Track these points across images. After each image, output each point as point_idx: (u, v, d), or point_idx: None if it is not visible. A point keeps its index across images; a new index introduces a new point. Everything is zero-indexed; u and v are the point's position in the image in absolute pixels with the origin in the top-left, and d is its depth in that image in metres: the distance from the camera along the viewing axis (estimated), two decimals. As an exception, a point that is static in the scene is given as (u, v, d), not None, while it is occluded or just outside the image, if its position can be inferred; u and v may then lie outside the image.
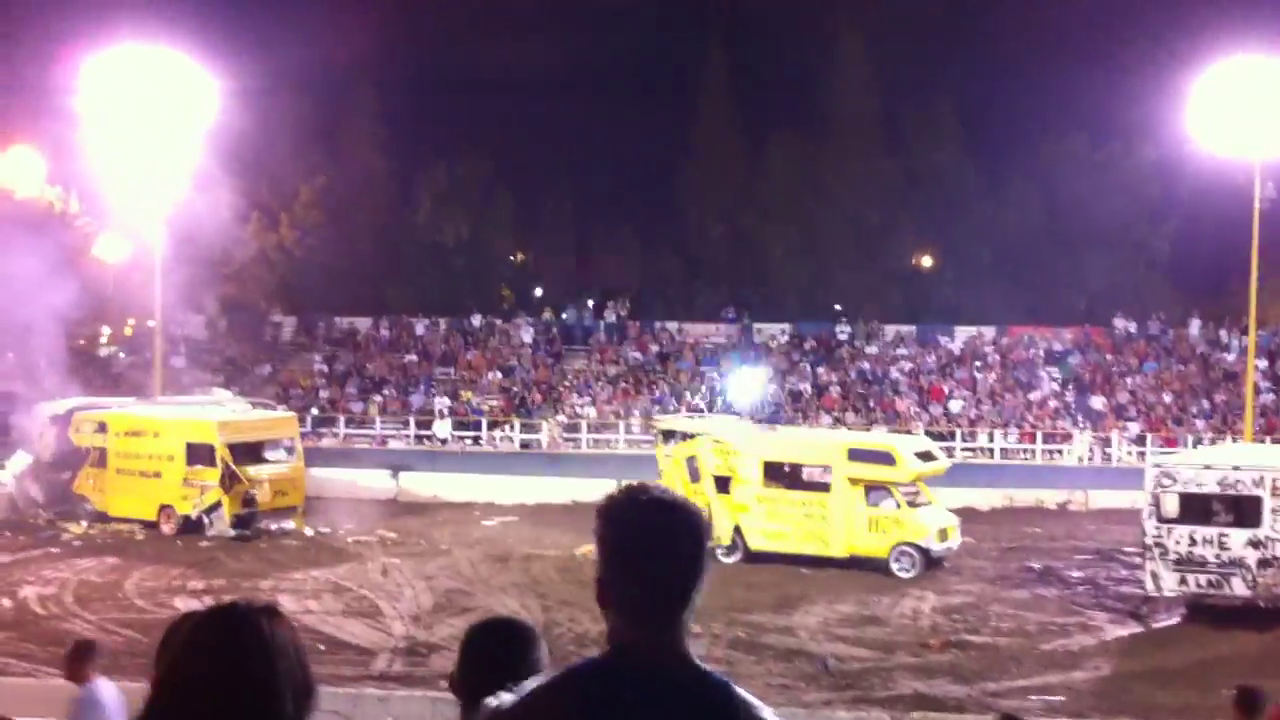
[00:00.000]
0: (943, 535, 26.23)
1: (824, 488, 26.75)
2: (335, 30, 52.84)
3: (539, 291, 62.67)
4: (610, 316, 50.68)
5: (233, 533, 29.09)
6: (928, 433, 41.99)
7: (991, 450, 42.12)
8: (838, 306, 53.71)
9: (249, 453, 30.49)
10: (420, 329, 50.15)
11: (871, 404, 44.30)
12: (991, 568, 26.81)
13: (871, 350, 47.46)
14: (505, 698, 2.67)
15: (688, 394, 44.68)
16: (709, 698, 2.54)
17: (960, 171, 54.10)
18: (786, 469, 27.42)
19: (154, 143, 35.82)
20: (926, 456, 27.86)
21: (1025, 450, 42.20)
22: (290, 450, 31.74)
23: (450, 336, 49.76)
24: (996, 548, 29.19)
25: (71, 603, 22.42)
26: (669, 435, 29.69)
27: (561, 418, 43.87)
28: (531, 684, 2.65)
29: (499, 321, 50.94)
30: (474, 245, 58.08)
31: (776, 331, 49.14)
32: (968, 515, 33.64)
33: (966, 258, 53.56)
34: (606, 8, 61.99)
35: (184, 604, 22.21)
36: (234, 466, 29.54)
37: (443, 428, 42.91)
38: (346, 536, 29.83)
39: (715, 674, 2.60)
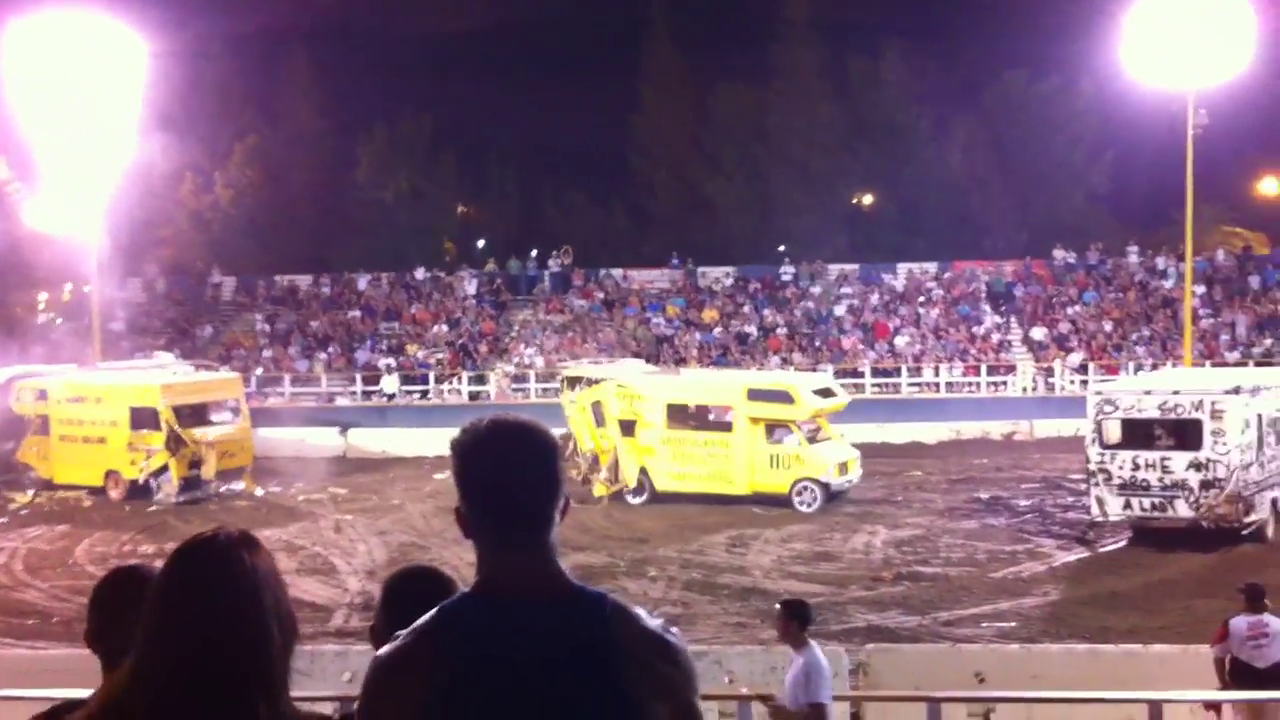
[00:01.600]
0: (842, 469, 26.88)
1: (726, 427, 27.38)
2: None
3: (482, 244, 62.35)
4: (555, 266, 50.49)
5: (181, 496, 28.90)
6: (874, 369, 42.41)
7: (937, 385, 42.49)
8: (782, 249, 53.85)
9: (194, 415, 30.26)
10: (363, 284, 49.74)
11: (818, 343, 44.51)
12: (941, 500, 27.15)
13: (816, 290, 47.62)
14: (381, 649, 2.59)
15: (633, 340, 44.70)
16: (584, 613, 2.52)
17: (903, 113, 54.47)
18: (690, 410, 28.10)
19: (85, 107, 35.10)
20: (826, 393, 28.39)
21: (970, 383, 42.62)
22: (236, 411, 31.54)
23: (394, 291, 49.40)
24: (945, 480, 29.57)
25: (22, 571, 22.29)
26: (574, 382, 30.01)
27: (509, 368, 43.75)
28: (407, 629, 2.59)
29: (443, 275, 50.61)
30: (416, 200, 57.63)
31: (720, 275, 49.18)
32: (916, 450, 34.20)
33: (910, 197, 54.03)
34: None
35: (135, 569, 22.12)
36: (179, 429, 29.29)
37: (390, 383, 42.69)
38: (297, 495, 29.73)
39: (590, 588, 2.59)
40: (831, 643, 15.33)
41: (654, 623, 2.58)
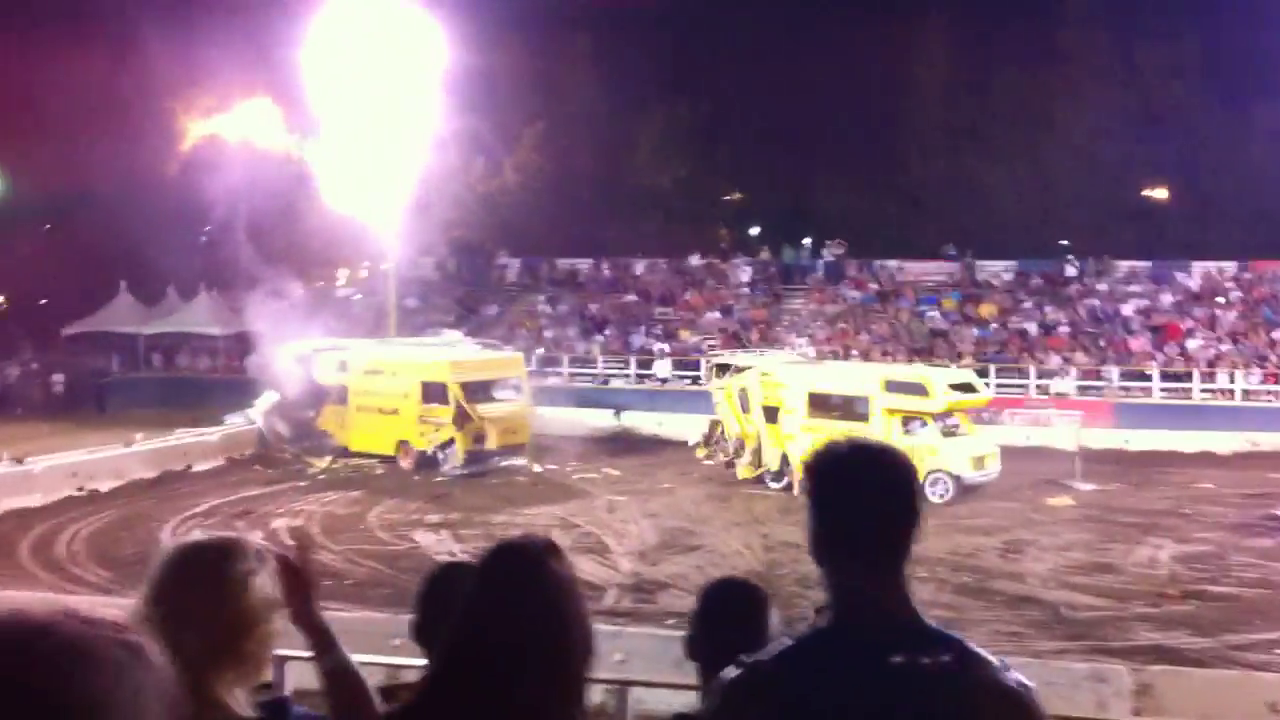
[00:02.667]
0: (978, 463, 27.62)
1: (864, 418, 27.91)
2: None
3: (756, 231, 62.52)
4: (828, 256, 50.20)
5: (465, 469, 30.15)
6: (1163, 373, 40.44)
7: (1233, 391, 40.18)
8: (1065, 243, 51.94)
9: (480, 391, 31.48)
10: (640, 269, 50.68)
11: (1102, 343, 42.80)
12: (1233, 515, 25.75)
13: (1102, 288, 45.77)
14: (727, 673, 2.62)
15: (906, 333, 44.02)
16: (937, 658, 2.46)
17: (1200, 101, 51.57)
18: (830, 400, 28.86)
19: (384, 90, 36.92)
20: (965, 388, 29.28)
21: (1270, 392, 40.13)
22: (518, 389, 32.67)
23: (669, 277, 50.16)
24: (1238, 494, 28.00)
25: (319, 534, 23.59)
26: (723, 369, 31.52)
27: (782, 356, 43.76)
28: (757, 655, 2.60)
29: (717, 262, 51.04)
30: (692, 186, 58.26)
31: (1000, 269, 47.85)
32: (1207, 460, 32.49)
33: (1205, 191, 51.19)
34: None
35: (422, 536, 23.27)
36: (466, 405, 30.57)
37: (663, 367, 43.39)
38: (572, 474, 30.62)
39: (944, 630, 2.54)
40: (1113, 660, 14.85)
41: (1011, 675, 2.51)
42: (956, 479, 27.12)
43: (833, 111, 58.63)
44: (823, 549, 2.60)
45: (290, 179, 41.39)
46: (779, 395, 29.26)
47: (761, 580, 19.95)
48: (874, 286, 47.81)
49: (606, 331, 46.66)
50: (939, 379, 29.08)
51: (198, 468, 30.80)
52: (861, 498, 2.55)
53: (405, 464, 30.94)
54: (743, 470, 29.45)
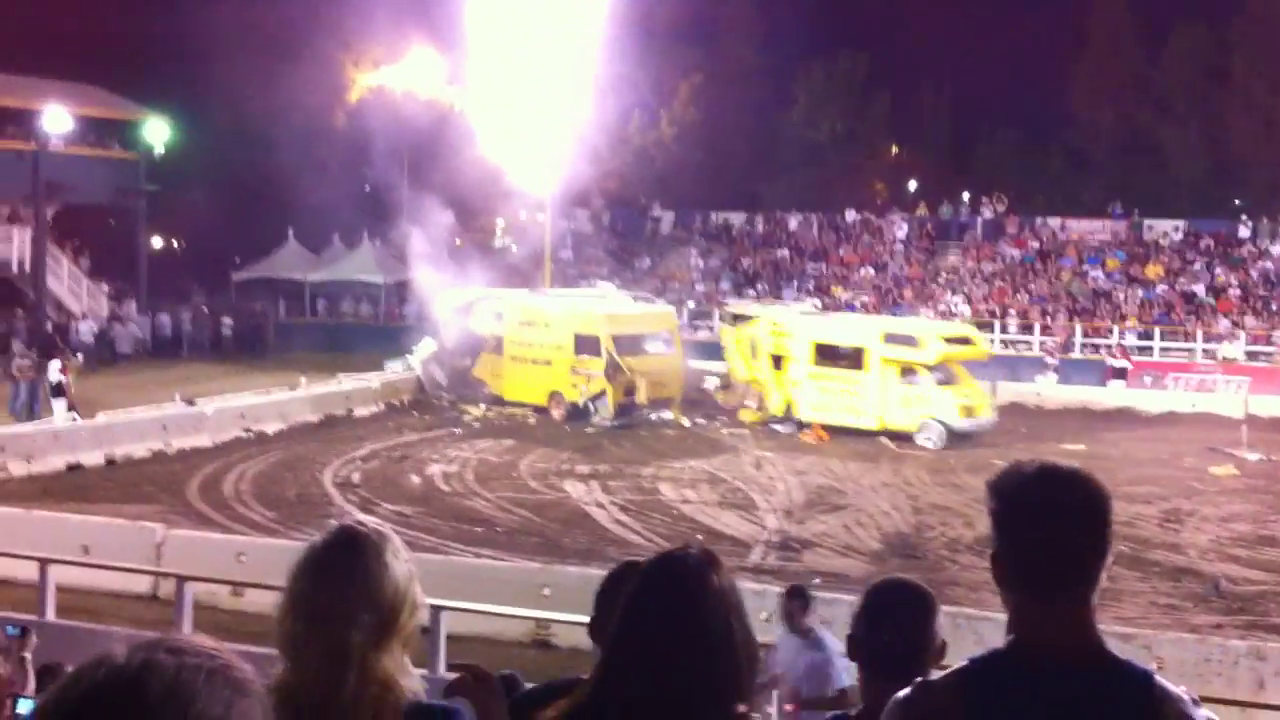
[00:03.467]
0: (968, 412, 28.82)
1: (862, 366, 29.50)
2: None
3: (913, 186, 61.53)
4: (988, 212, 49.16)
5: (616, 421, 30.46)
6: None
7: None
8: (1238, 202, 49.98)
9: (631, 344, 31.71)
10: (793, 224, 50.35)
11: (1275, 307, 41.18)
12: None
13: (1276, 250, 43.97)
14: (900, 694, 2.56)
15: (1067, 293, 42.94)
16: (1126, 693, 2.36)
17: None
18: (834, 350, 30.11)
19: (544, 40, 37.17)
20: (961, 341, 30.71)
21: None
22: (669, 343, 32.82)
23: (822, 232, 49.72)
24: None
25: (472, 481, 24.12)
26: (737, 318, 33.03)
27: (933, 314, 43.12)
28: (931, 677, 2.56)
29: (872, 218, 50.41)
30: (849, 140, 57.55)
31: (1169, 228, 46.29)
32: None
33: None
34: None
35: (571, 487, 23.65)
36: (617, 357, 30.82)
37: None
38: (721, 429, 30.72)
39: (1133, 663, 2.44)
40: (1274, 638, 14.43)
41: (1200, 713, 2.42)
42: (946, 426, 28.50)
43: (996, 63, 57.22)
44: (1006, 573, 2.50)
45: (450, 129, 42.05)
46: (785, 344, 30.69)
47: (908, 542, 19.83)
48: (1034, 244, 46.71)
49: (759, 286, 46.54)
50: (933, 331, 30.79)
51: (358, 412, 31.72)
52: (1049, 525, 2.44)
53: (556, 414, 31.36)
54: (747, 414, 31.04)
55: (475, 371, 33.60)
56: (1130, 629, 13.55)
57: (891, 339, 29.53)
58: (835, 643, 8.09)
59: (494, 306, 33.75)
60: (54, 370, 26.64)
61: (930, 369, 28.97)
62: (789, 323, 31.37)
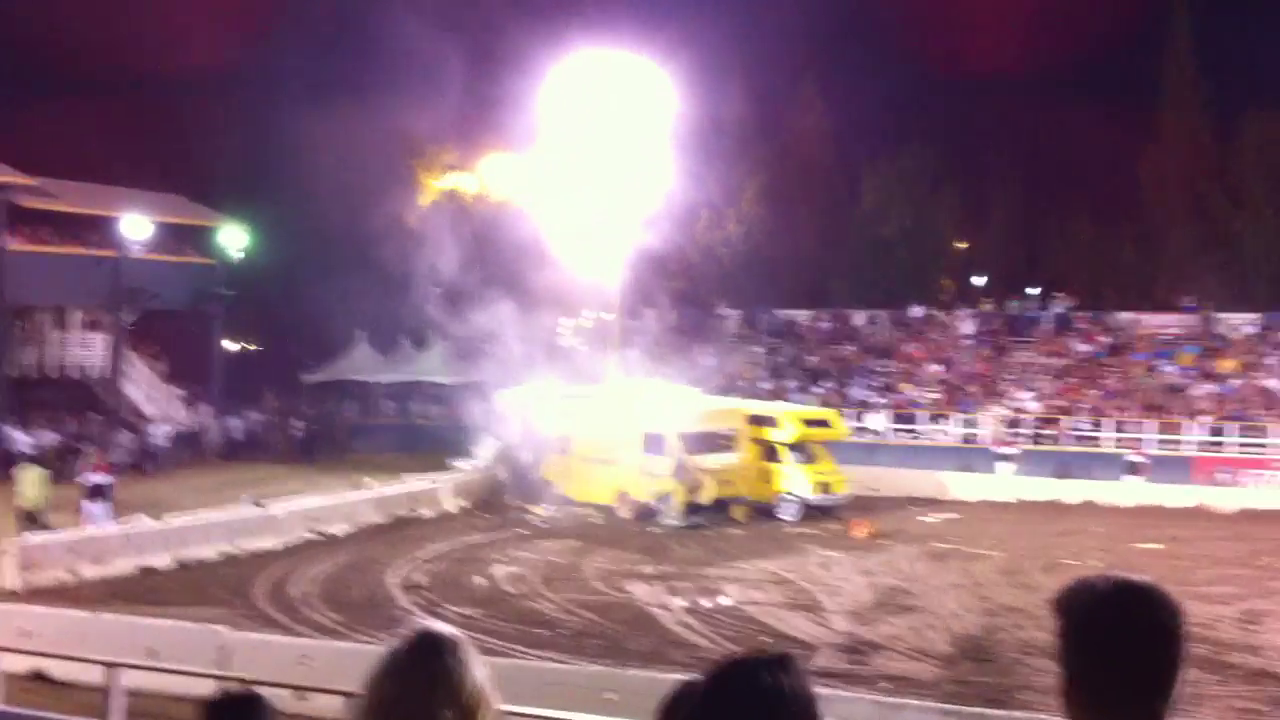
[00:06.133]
0: (823, 488, 32.41)
1: (730, 448, 32.33)
2: (778, 25, 53.79)
3: (981, 281, 61.26)
4: (1058, 307, 48.79)
5: (683, 520, 30.30)
6: None
7: None
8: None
9: (699, 443, 31.62)
10: (859, 320, 50.27)
11: (1355, 402, 40.32)
12: None
13: (1356, 343, 43.16)
14: None
15: (1139, 389, 42.33)
16: None
17: None
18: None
19: (613, 141, 37.72)
20: (819, 424, 34.66)
21: None
22: (736, 441, 32.67)
23: (890, 328, 49.58)
24: None
25: (537, 582, 24.03)
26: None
27: (1004, 412, 42.70)
28: None
29: (939, 313, 50.21)
30: (915, 235, 57.55)
31: (1243, 321, 45.61)
32: None
33: None
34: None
35: (636, 588, 23.49)
36: (684, 456, 30.76)
37: (878, 420, 42.85)
38: (783, 527, 30.47)
39: None
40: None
41: None
42: (802, 500, 31.81)
43: (1065, 156, 57.19)
44: (1076, 694, 2.44)
45: (520, 230, 42.65)
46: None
47: (979, 645, 19.43)
48: (1105, 339, 46.18)
49: (824, 383, 46.38)
50: (791, 414, 34.45)
51: (424, 513, 31.87)
52: (1122, 646, 2.39)
53: (624, 514, 31.32)
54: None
55: (544, 472, 33.65)
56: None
57: (754, 420, 33.11)
58: None
59: (561, 406, 33.90)
60: (89, 473, 27.19)
61: (790, 448, 32.54)
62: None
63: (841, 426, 36.23)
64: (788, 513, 31.90)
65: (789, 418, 33.91)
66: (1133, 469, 36.02)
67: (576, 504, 32.44)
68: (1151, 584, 2.46)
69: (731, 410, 34.52)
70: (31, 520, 26.49)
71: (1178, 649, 2.42)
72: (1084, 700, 2.41)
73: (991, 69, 55.66)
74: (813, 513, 31.97)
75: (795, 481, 32.48)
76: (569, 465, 33.05)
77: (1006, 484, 36.09)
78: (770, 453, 32.72)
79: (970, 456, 39.49)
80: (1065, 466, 37.80)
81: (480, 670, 2.72)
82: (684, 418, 32.16)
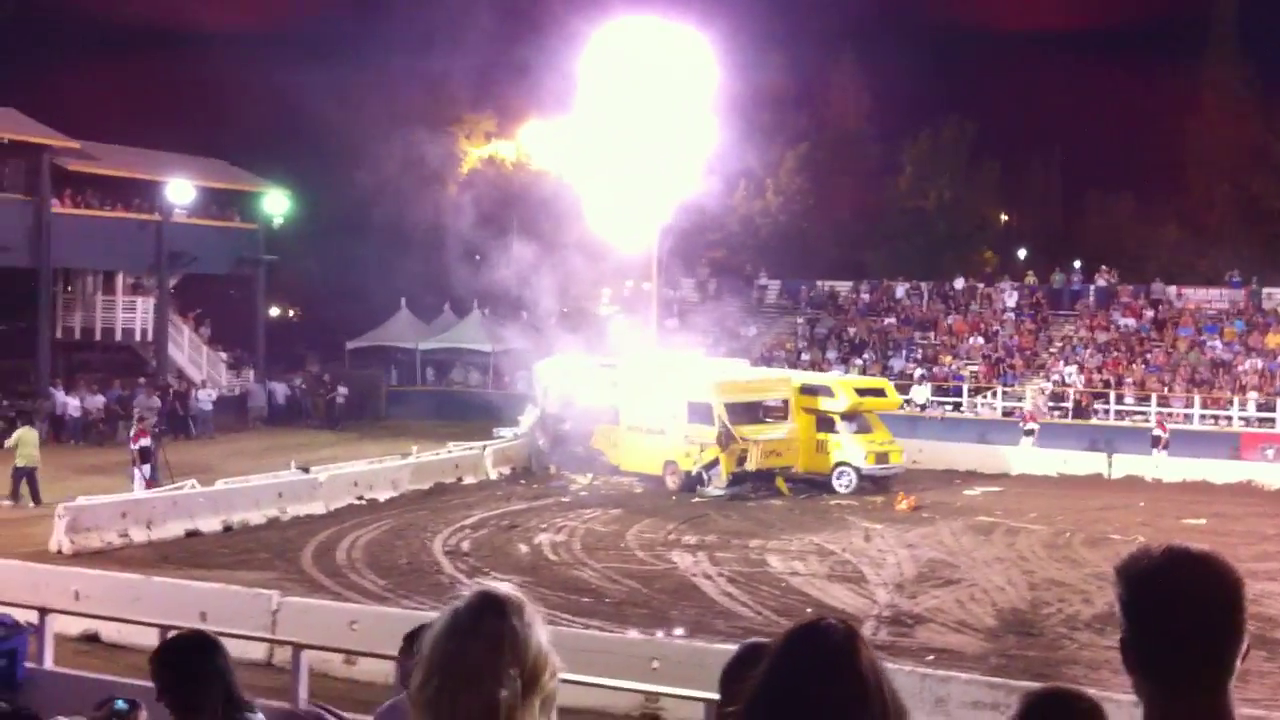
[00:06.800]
0: (879, 458, 31.81)
1: (779, 418, 32.12)
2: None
3: (1023, 254, 60.83)
4: (1101, 281, 48.37)
5: (727, 490, 30.23)
6: None
7: None
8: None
9: (745, 412, 31.47)
10: (900, 292, 50.03)
11: (1404, 379, 39.83)
12: None
13: (1403, 319, 42.60)
14: None
15: (1185, 363, 41.97)
16: None
17: None
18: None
19: (654, 110, 37.56)
20: (873, 393, 34.13)
21: None
22: (785, 411, 32.44)
23: (931, 301, 49.32)
24: None
25: (580, 551, 24.13)
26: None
27: (1046, 385, 42.43)
28: None
29: (981, 285, 49.90)
30: (956, 208, 57.17)
31: (1288, 297, 45.11)
32: None
33: None
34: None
35: (679, 558, 23.54)
36: (730, 426, 30.63)
37: (921, 393, 42.67)
38: (830, 500, 30.42)
39: None
40: None
41: None
42: (857, 470, 31.29)
43: (1108, 129, 56.67)
44: (1136, 661, 2.42)
45: (560, 199, 42.64)
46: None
47: (1025, 619, 19.32)
48: (1150, 314, 45.76)
49: (865, 355, 46.22)
50: (844, 383, 34.14)
51: (467, 480, 32.02)
52: (1181, 613, 2.36)
53: (671, 484, 31.14)
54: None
55: (593, 442, 33.49)
56: (1259, 710, 13.06)
57: (807, 390, 32.76)
58: None
59: (609, 375, 33.79)
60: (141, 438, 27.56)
61: (844, 417, 32.05)
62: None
63: (895, 396, 35.62)
64: (843, 483, 31.44)
65: (842, 387, 33.32)
66: (1156, 443, 35.87)
67: (624, 474, 32.45)
68: (1211, 552, 2.43)
69: (780, 380, 34.05)
70: (28, 479, 27.01)
71: (1237, 618, 2.38)
72: (1146, 670, 2.40)
73: (1033, 41, 55.16)
74: (860, 484, 31.63)
75: (851, 452, 31.84)
76: (617, 435, 32.97)
77: (1048, 459, 35.84)
78: (824, 423, 32.09)
79: (1008, 430, 39.11)
80: (1107, 438, 37.52)
81: (543, 632, 2.69)
82: (731, 387, 31.97)
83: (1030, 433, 37.84)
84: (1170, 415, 38.72)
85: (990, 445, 37.61)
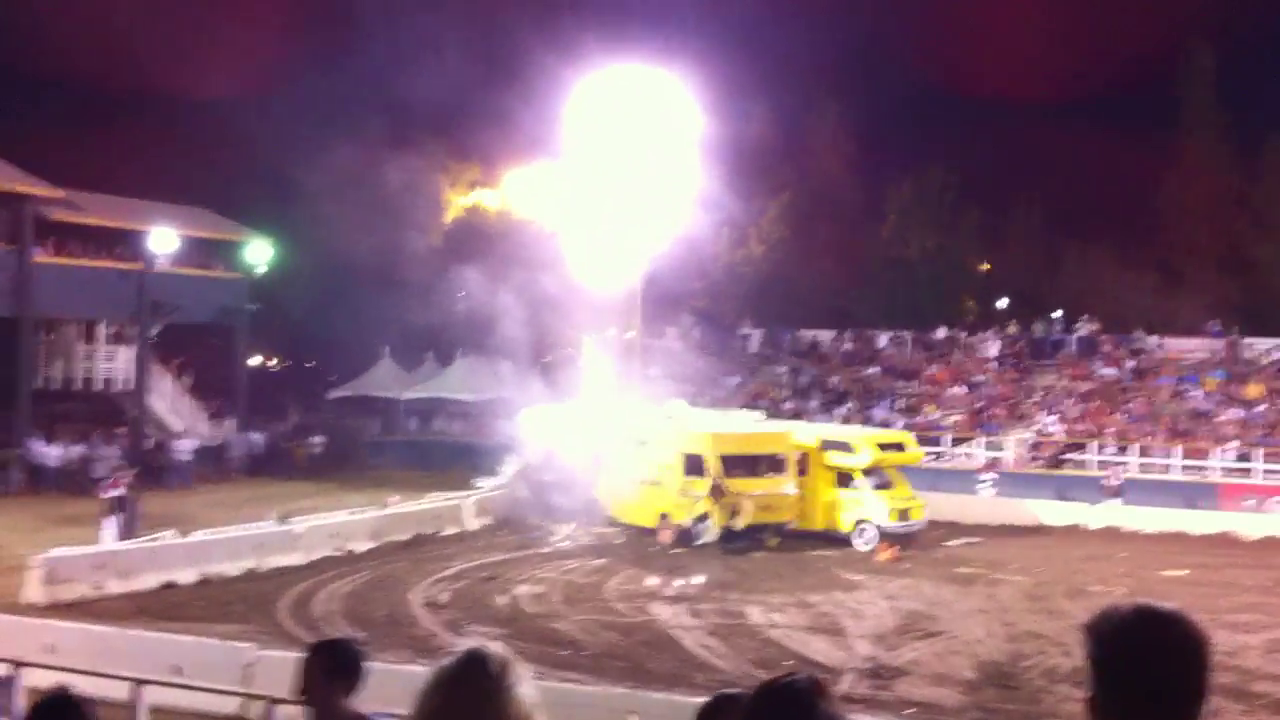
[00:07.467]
0: (900, 515, 30.97)
1: (778, 472, 31.31)
2: (802, 46, 53.90)
3: (1003, 303, 61.07)
4: (1082, 330, 48.60)
5: (721, 544, 29.83)
6: None
7: None
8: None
9: (741, 466, 31.04)
10: (882, 342, 50.18)
11: (1383, 429, 40.01)
12: None
13: (1383, 369, 42.85)
14: None
15: (1164, 412, 42.12)
16: None
17: None
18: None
19: (637, 160, 37.75)
20: (894, 447, 33.16)
21: None
22: (782, 466, 31.76)
23: (913, 350, 49.48)
24: None
25: (559, 602, 24.02)
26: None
27: (1027, 435, 42.51)
28: None
29: (963, 335, 50.07)
30: (938, 256, 57.46)
31: (1270, 346, 45.32)
32: None
33: None
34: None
35: (658, 610, 23.45)
36: (721, 479, 30.43)
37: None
38: (808, 552, 30.34)
39: None
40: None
41: None
42: (879, 528, 30.46)
43: (1086, 179, 57.08)
44: (1096, 712, 2.46)
45: (543, 248, 42.77)
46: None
47: (1004, 672, 19.31)
48: (1130, 363, 45.97)
49: (848, 404, 46.29)
50: (866, 438, 33.11)
51: (447, 531, 31.87)
52: (1149, 671, 2.41)
53: (665, 537, 30.68)
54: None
55: (596, 491, 33.14)
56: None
57: (827, 445, 32.01)
58: None
59: (600, 424, 33.60)
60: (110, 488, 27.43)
61: (865, 473, 31.31)
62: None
63: (917, 449, 34.67)
64: (864, 540, 30.56)
65: (864, 441, 32.48)
66: (1109, 492, 36.10)
67: (609, 525, 32.29)
68: (1178, 612, 2.47)
69: (780, 434, 32.98)
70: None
71: (1203, 678, 2.43)
72: None
73: (1014, 92, 55.71)
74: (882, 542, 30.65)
75: (872, 509, 30.96)
76: (616, 485, 32.78)
77: (1029, 509, 35.84)
78: (844, 479, 31.43)
79: (997, 480, 39.07)
80: (1088, 490, 37.55)
81: (529, 689, 2.76)
82: (726, 440, 31.58)
83: (986, 483, 37.87)
84: (1150, 465, 38.82)
85: (971, 495, 37.58)
